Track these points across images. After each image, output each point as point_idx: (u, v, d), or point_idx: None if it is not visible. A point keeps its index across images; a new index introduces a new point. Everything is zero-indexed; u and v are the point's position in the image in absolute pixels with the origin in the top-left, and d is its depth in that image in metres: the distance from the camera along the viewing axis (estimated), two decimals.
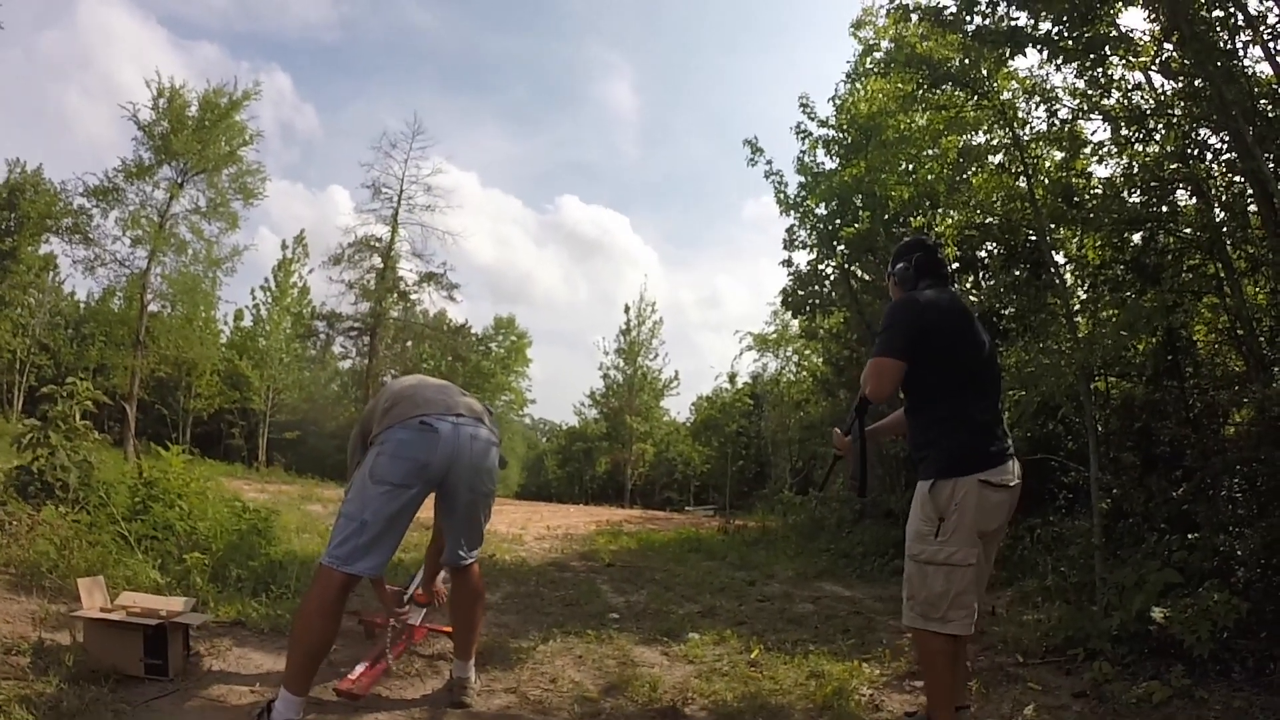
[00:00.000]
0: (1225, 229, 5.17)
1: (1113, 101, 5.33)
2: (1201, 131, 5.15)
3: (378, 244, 29.60)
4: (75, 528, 4.46)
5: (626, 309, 37.85)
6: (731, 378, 33.78)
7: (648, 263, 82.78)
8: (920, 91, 6.31)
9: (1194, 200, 5.34)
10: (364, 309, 29.52)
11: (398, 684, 3.50)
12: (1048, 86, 5.55)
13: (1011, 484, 2.96)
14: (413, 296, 30.86)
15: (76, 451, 5.13)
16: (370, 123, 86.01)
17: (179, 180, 22.88)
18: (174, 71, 69.57)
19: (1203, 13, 4.63)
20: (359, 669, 3.31)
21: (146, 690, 2.99)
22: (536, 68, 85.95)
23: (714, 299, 77.25)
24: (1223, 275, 5.24)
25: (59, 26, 60.95)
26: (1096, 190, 5.61)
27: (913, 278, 3.19)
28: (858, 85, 10.56)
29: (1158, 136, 5.33)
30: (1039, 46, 5.05)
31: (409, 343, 31.66)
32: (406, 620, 3.85)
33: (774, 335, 26.68)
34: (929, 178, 7.66)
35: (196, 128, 22.58)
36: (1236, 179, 5.11)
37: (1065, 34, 4.99)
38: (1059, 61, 5.21)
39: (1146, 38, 5.00)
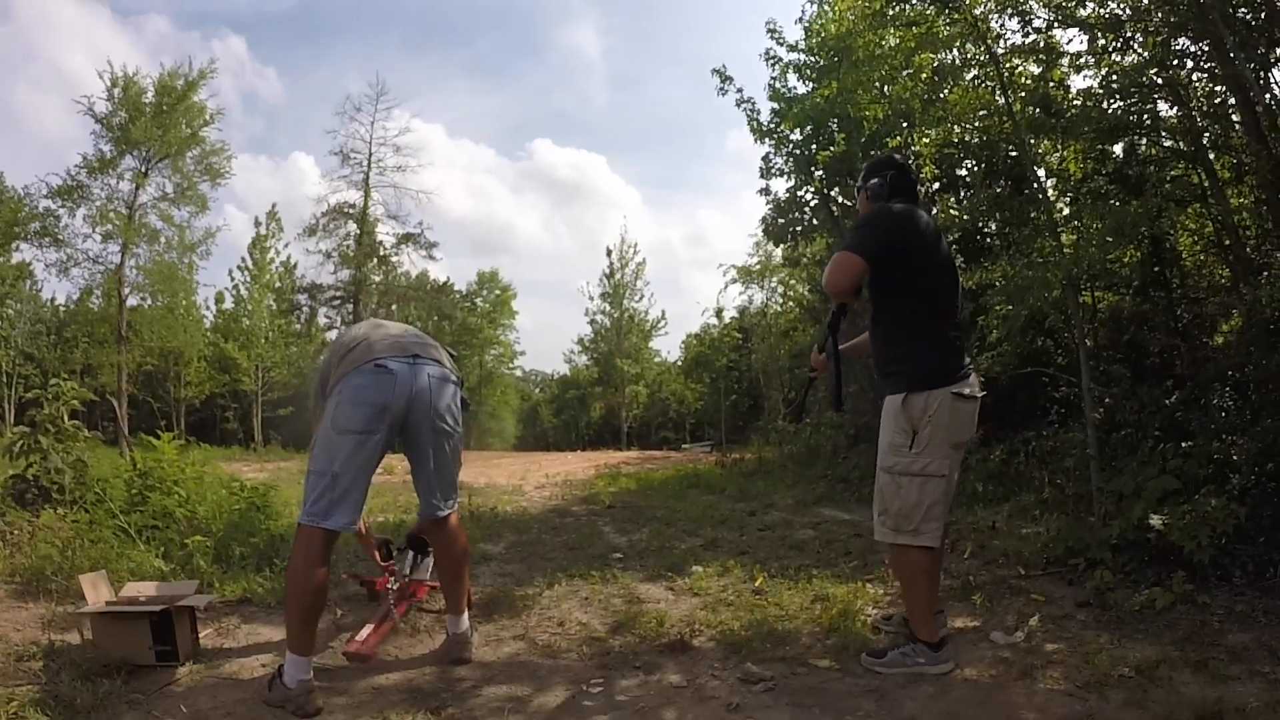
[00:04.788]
0: (1207, 137, 5.09)
1: (1088, 11, 5.19)
2: (1181, 40, 5.02)
3: (352, 210, 29.36)
4: (75, 528, 4.45)
5: (609, 252, 37.76)
6: (718, 313, 33.67)
7: (630, 204, 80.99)
8: (890, 9, 6.13)
9: (1175, 110, 5.24)
10: (344, 277, 29.40)
11: (406, 642, 3.51)
12: None
13: (979, 395, 3.05)
14: (392, 259, 30.70)
15: (69, 452, 5.12)
16: (335, 89, 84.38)
17: (143, 169, 22.44)
18: (124, 50, 67.68)
19: None
20: (365, 630, 3.32)
21: (159, 677, 2.99)
22: (499, 18, 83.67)
23: (699, 236, 76.59)
24: (1206, 184, 5.18)
25: None
26: (1075, 102, 5.49)
27: (887, 195, 3.16)
28: (825, 6, 10.32)
29: (1136, 45, 5.21)
30: None
31: (393, 306, 31.49)
32: (391, 568, 3.86)
33: (757, 267, 26.52)
34: (904, 95, 7.50)
35: (155, 113, 22.12)
36: (1217, 87, 5.01)
37: None
38: None
39: None
